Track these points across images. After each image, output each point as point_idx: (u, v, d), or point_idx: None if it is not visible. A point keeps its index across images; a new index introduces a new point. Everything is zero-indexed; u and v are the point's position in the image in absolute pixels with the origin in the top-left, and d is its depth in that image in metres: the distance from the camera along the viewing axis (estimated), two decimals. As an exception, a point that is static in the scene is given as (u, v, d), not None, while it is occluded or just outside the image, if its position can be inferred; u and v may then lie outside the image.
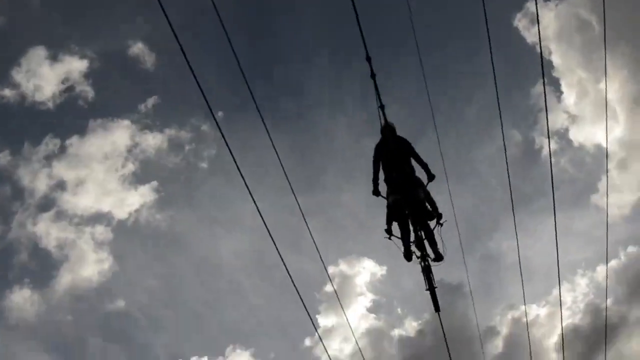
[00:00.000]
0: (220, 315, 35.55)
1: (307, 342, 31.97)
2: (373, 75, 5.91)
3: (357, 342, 9.41)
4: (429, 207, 8.20)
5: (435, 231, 8.15)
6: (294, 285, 6.83)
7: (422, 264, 8.20)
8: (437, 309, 8.34)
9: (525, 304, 10.98)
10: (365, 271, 34.88)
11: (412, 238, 8.15)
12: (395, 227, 8.27)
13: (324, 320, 31.34)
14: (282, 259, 6.55)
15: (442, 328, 8.57)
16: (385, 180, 8.18)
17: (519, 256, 9.49)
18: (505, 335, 29.67)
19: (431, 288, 8.23)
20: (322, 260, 7.72)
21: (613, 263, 30.15)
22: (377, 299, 34.22)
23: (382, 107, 6.53)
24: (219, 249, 34.22)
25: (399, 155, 7.94)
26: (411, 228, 8.23)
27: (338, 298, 9.39)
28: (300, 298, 7.05)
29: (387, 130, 7.71)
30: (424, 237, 8.19)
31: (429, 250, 8.18)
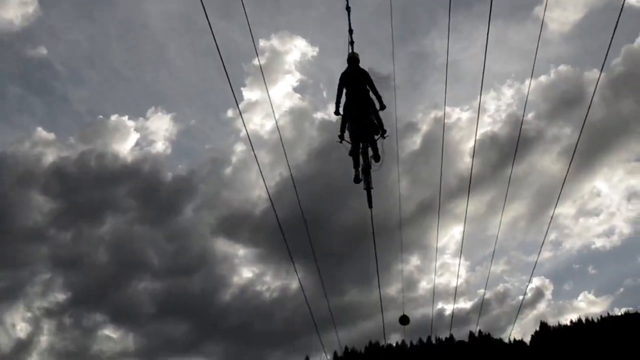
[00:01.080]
0: (143, 77, 35.44)
1: (230, 113, 33.34)
2: (348, 8, 8.13)
3: (276, 121, 10.41)
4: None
5: (378, 142, 10.52)
6: (219, 54, 6.61)
7: (363, 170, 10.60)
8: (370, 205, 10.76)
9: (445, 104, 12.39)
10: (297, 50, 35.44)
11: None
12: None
13: (249, 94, 32.52)
14: (209, 24, 6.27)
15: (372, 224, 11.01)
16: (345, 104, 10.44)
17: (447, 54, 9.94)
18: (425, 132, 31.82)
19: (368, 189, 10.64)
20: (250, 31, 7.48)
21: (542, 79, 32.13)
22: (304, 80, 35.60)
23: (351, 31, 8.69)
24: (147, 9, 33.62)
25: (360, 83, 10.21)
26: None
27: (262, 73, 9.12)
28: (224, 68, 6.81)
29: (352, 59, 9.98)
30: (369, 148, 10.58)
31: (370, 153, 10.48)
